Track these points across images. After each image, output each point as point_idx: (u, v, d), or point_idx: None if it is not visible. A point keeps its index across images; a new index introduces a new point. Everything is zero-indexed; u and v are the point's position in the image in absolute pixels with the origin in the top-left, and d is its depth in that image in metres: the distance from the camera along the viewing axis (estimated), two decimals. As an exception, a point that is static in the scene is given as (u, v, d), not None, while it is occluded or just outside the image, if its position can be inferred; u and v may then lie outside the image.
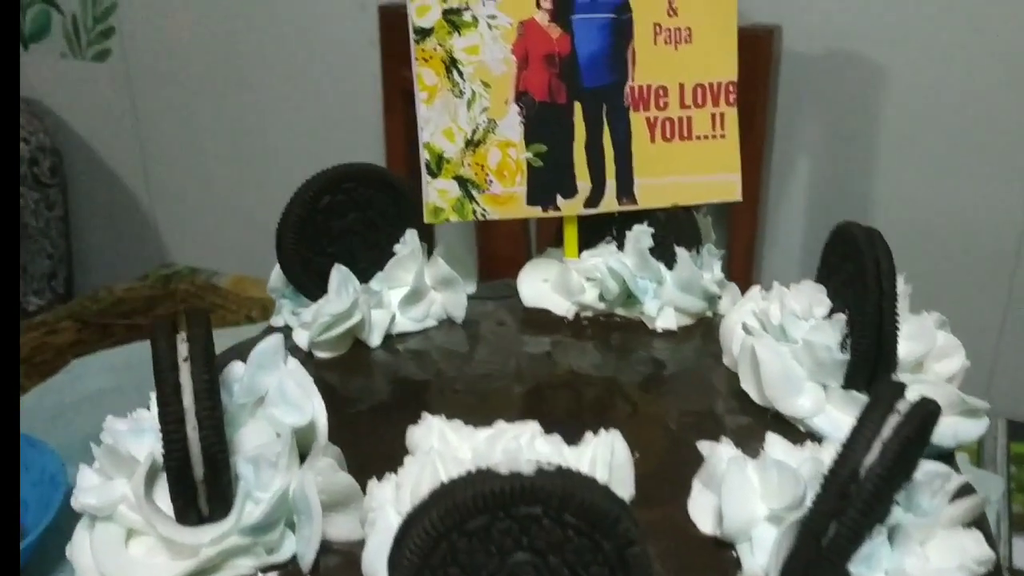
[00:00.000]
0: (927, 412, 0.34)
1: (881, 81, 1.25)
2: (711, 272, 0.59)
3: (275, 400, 0.43)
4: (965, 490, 0.39)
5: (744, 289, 0.56)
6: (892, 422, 0.33)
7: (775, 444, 0.41)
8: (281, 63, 1.47)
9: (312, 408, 0.43)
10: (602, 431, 0.39)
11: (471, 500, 0.31)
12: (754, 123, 1.18)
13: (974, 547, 0.36)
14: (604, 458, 0.38)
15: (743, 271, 1.11)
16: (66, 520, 0.71)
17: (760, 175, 1.17)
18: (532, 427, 0.38)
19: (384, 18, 1.11)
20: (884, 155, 1.29)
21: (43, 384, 0.93)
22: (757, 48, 1.14)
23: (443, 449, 0.38)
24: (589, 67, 0.55)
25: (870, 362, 0.46)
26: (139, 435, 0.40)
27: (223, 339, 1.01)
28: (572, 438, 0.39)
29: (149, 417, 0.41)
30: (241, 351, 0.46)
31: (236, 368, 0.44)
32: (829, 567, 0.33)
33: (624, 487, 0.38)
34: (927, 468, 0.38)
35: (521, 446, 0.37)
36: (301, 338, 0.55)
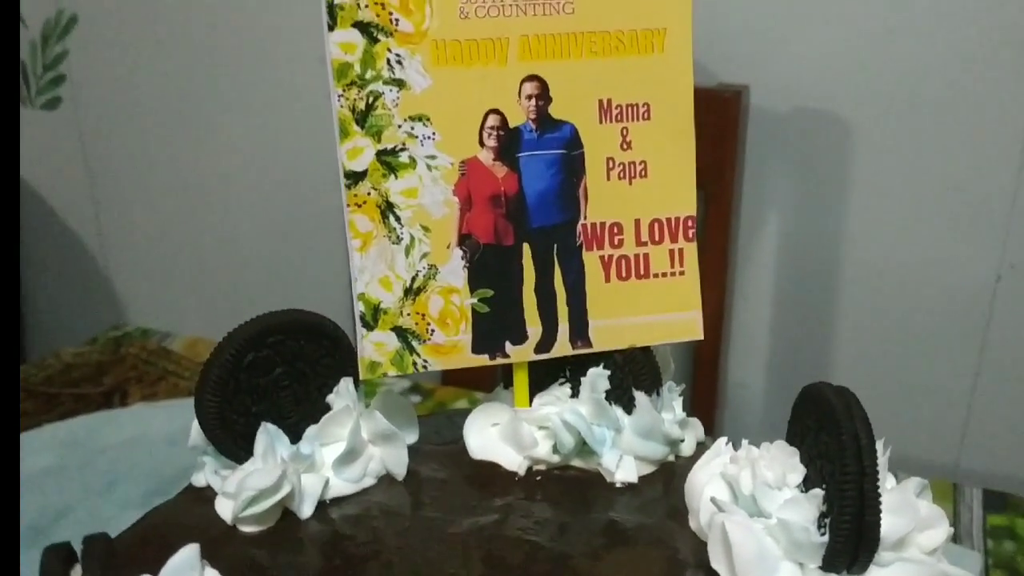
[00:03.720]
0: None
1: (849, 138, 1.25)
2: (672, 412, 0.55)
3: (189, 622, 0.37)
4: None
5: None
6: None
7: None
8: (238, 112, 1.44)
9: (232, 630, 0.38)
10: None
11: None
12: (722, 182, 1.16)
13: None
14: None
15: (711, 333, 1.08)
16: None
17: (729, 233, 1.15)
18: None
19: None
20: (854, 211, 1.29)
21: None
22: (725, 108, 1.12)
23: None
24: (538, 206, 0.51)
25: (852, 544, 0.42)
26: None
27: (173, 410, 0.94)
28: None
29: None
30: (150, 538, 0.41)
31: (144, 585, 0.39)
32: None
33: None
34: None
35: None
36: (224, 509, 0.49)
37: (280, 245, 1.46)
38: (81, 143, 1.55)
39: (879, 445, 0.44)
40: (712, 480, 0.48)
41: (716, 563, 0.45)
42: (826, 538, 0.43)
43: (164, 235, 1.55)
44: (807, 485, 0.45)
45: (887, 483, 0.45)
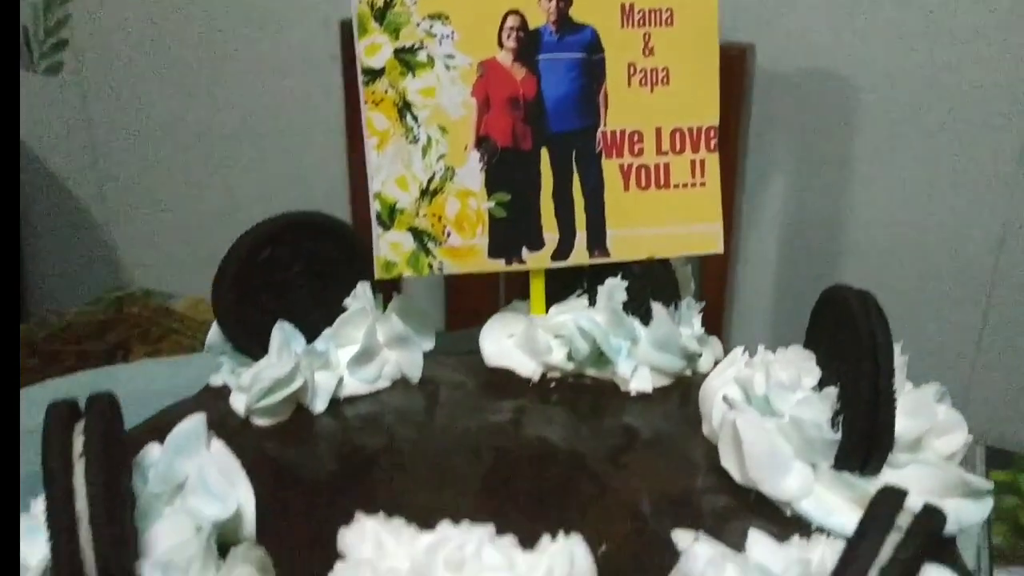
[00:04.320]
0: (932, 526, 0.30)
1: (855, 99, 1.23)
2: (690, 328, 0.55)
3: (195, 488, 0.38)
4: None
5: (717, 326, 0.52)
6: (892, 541, 0.29)
7: (758, 542, 0.37)
8: (242, 77, 1.44)
9: (237, 499, 0.38)
10: (560, 536, 0.34)
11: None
12: (727, 142, 1.15)
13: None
14: (562, 569, 0.33)
15: (715, 291, 1.08)
16: None
17: (733, 194, 1.14)
18: (481, 533, 0.34)
19: (346, 33, 1.07)
20: (859, 173, 1.27)
21: (-15, 414, 0.88)
22: (730, 66, 1.11)
23: (377, 560, 0.33)
24: (557, 111, 0.50)
25: (865, 442, 0.42)
26: (34, 533, 0.35)
27: (177, 368, 0.95)
28: (531, 529, 0.35)
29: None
30: (162, 428, 0.41)
31: (152, 452, 0.39)
32: None
33: (584, 604, 0.33)
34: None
35: (466, 557, 0.32)
36: (239, 402, 0.50)
37: (282, 208, 1.47)
38: (84, 107, 1.56)
39: (897, 348, 0.44)
40: (727, 385, 0.47)
41: (726, 462, 0.45)
42: (839, 436, 0.42)
43: (166, 199, 1.55)
44: (822, 388, 0.45)
45: (904, 387, 0.45)
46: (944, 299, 1.26)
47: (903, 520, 0.29)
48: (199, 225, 1.53)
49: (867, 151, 1.22)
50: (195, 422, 0.39)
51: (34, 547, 0.35)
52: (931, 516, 0.29)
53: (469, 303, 0.99)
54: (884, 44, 1.18)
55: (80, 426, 0.34)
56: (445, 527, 0.34)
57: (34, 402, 0.90)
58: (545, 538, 0.34)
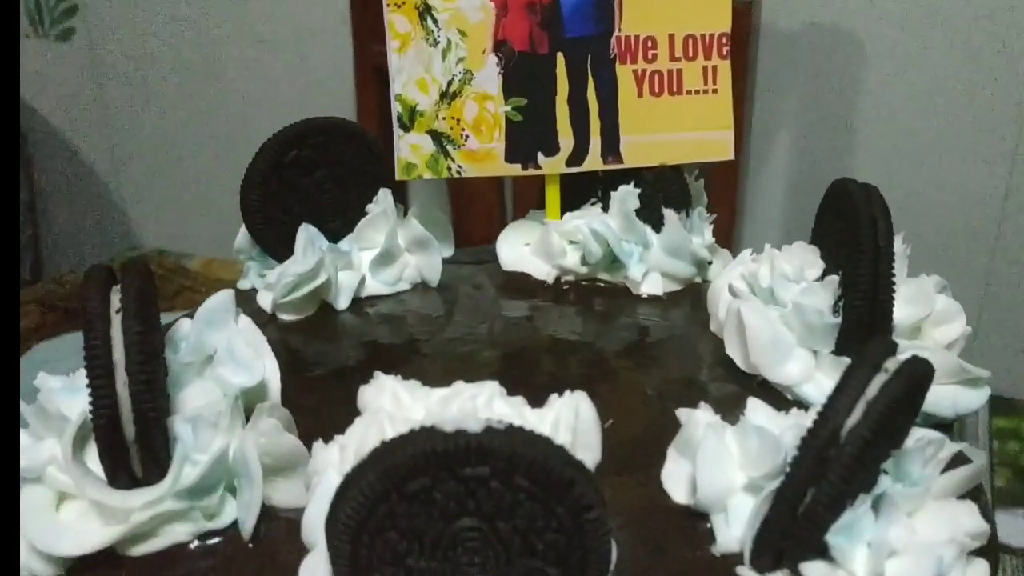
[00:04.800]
0: (919, 372, 0.31)
1: (860, 54, 1.24)
2: (701, 236, 0.56)
3: (223, 359, 0.40)
4: (960, 460, 0.36)
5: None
6: (879, 381, 0.30)
7: (757, 409, 0.38)
8: (251, 40, 1.45)
9: (263, 368, 0.40)
10: (567, 392, 0.36)
11: (411, 460, 0.29)
12: (733, 95, 1.15)
13: (967, 519, 0.34)
14: (567, 420, 0.35)
15: (721, 242, 1.10)
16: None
17: (740, 148, 1.14)
18: (491, 387, 0.36)
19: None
20: (863, 128, 1.28)
21: (6, 368, 0.91)
22: (735, 21, 1.11)
23: (394, 410, 0.35)
24: (573, 16, 0.52)
25: (864, 326, 0.43)
26: (72, 393, 0.38)
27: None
28: (539, 401, 0.37)
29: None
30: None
31: (183, 325, 0.41)
32: (805, 537, 0.30)
33: (589, 451, 0.35)
34: (919, 435, 0.35)
35: (477, 406, 0.34)
36: (265, 300, 0.52)
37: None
38: (94, 73, 1.57)
39: (898, 238, 0.45)
40: (733, 280, 0.49)
41: (731, 350, 0.47)
42: (839, 320, 0.44)
43: (177, 161, 1.56)
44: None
45: (903, 276, 0.46)
46: (950, 250, 1.27)
47: (891, 364, 0.31)
48: (210, 187, 1.54)
49: (872, 104, 1.22)
50: (224, 297, 0.41)
51: (73, 404, 0.37)
52: (917, 363, 0.31)
53: (473, 220, 1.00)
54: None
55: (117, 287, 0.36)
56: (459, 384, 0.36)
57: (52, 354, 0.93)
58: (553, 395, 0.36)
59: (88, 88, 1.61)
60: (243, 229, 0.55)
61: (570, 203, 0.56)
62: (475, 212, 1.01)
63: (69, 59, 1.58)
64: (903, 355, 0.32)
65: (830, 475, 0.29)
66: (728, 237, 1.17)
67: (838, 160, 1.29)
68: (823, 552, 0.31)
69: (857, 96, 1.25)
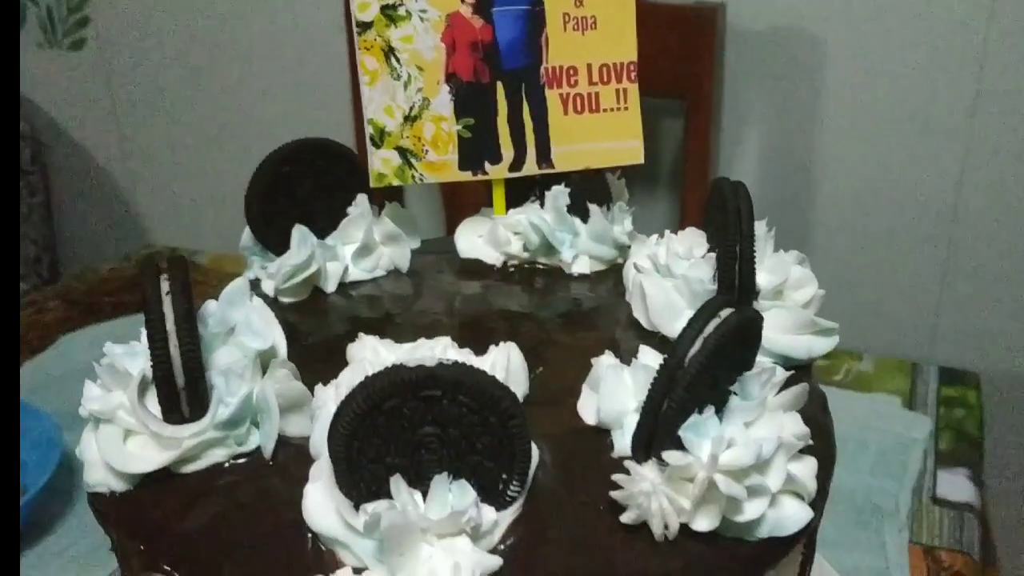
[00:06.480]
0: (744, 317, 0.44)
1: (823, 55, 1.32)
2: (621, 225, 0.69)
3: (243, 330, 0.52)
4: (794, 384, 0.49)
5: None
6: (714, 324, 0.43)
7: (647, 353, 0.51)
8: (254, 47, 1.50)
9: (273, 336, 0.53)
10: (502, 343, 0.49)
11: (387, 386, 0.41)
12: (701, 95, 1.26)
13: (791, 425, 0.46)
14: (501, 363, 0.48)
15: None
16: (61, 481, 0.78)
17: (709, 144, 1.25)
18: (445, 341, 0.48)
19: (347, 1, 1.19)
20: (828, 124, 1.37)
21: (33, 359, 1.02)
22: (701, 25, 1.22)
23: (374, 358, 0.48)
24: (508, 52, 0.64)
25: (733, 291, 0.56)
26: (132, 356, 0.50)
27: None
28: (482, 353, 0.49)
29: (140, 344, 0.51)
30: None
31: (211, 305, 0.54)
32: (664, 435, 0.43)
33: (518, 385, 0.48)
34: (759, 364, 0.48)
35: (436, 354, 0.47)
36: (268, 287, 0.65)
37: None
38: (107, 81, 1.64)
39: (762, 225, 0.58)
40: (640, 260, 0.62)
41: (637, 313, 0.60)
42: (715, 287, 0.57)
43: (187, 164, 1.63)
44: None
45: (767, 251, 0.59)
46: (910, 237, 1.37)
47: (724, 313, 0.44)
48: (218, 187, 1.60)
49: (835, 102, 1.31)
50: (241, 282, 0.54)
51: (134, 364, 0.50)
52: (744, 311, 0.44)
53: (465, 214, 1.14)
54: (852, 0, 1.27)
55: (165, 275, 0.48)
56: (422, 341, 0.49)
57: (76, 346, 1.03)
58: (492, 347, 0.49)
59: (100, 94, 1.66)
60: (247, 230, 0.67)
61: (513, 201, 0.69)
62: (463, 201, 1.12)
63: (81, 68, 1.64)
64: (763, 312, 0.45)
65: (678, 389, 0.42)
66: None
67: (805, 152, 1.37)
68: (679, 445, 0.43)
69: (820, 92, 1.33)
